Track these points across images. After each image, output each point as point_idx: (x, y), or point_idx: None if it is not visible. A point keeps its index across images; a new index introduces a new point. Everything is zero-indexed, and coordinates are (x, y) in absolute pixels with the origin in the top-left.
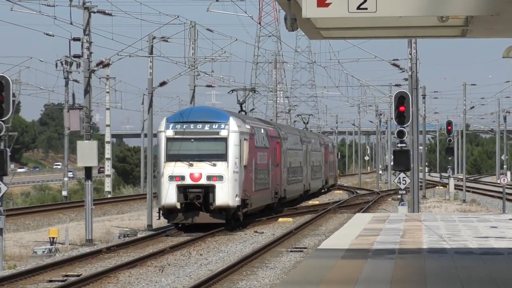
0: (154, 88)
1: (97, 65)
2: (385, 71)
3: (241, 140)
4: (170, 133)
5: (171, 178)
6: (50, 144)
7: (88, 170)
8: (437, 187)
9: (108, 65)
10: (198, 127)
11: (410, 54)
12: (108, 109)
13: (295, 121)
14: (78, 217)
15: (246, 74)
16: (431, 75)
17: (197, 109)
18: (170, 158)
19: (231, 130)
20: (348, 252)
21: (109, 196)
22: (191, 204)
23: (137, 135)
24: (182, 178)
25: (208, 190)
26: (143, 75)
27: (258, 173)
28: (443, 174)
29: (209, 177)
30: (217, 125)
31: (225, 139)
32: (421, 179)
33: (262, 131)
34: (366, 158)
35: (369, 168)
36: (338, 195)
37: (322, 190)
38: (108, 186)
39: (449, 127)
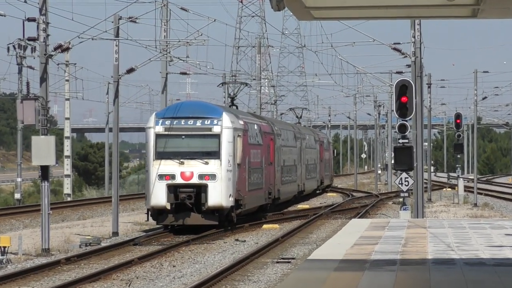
0: (120, 75)
1: (55, 49)
2: (385, 57)
3: (235, 137)
4: (159, 129)
5: (161, 177)
6: (1, 140)
7: (44, 170)
8: (444, 189)
9: (67, 49)
10: (189, 123)
11: (414, 37)
12: (67, 99)
13: (281, 114)
14: (33, 223)
15: (226, 60)
16: (438, 61)
17: (188, 103)
18: (160, 155)
19: (224, 126)
20: (342, 264)
21: (69, 199)
22: (182, 205)
23: (101, 130)
24: (173, 177)
25: (200, 190)
26: (108, 61)
27: (251, 172)
28: (451, 174)
29: (201, 176)
30: (209, 121)
31: (218, 136)
32: (426, 179)
33: (256, 126)
34: (363, 156)
35: (366, 167)
36: (331, 198)
37: (317, 191)
38: (67, 188)
39: (458, 121)
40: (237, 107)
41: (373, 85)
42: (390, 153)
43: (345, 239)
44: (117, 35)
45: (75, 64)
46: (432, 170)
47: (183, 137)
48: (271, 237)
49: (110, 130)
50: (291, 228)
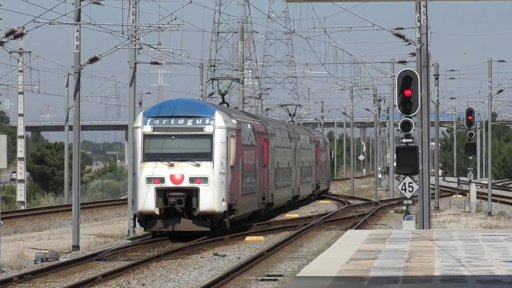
0: (82, 65)
1: (7, 35)
2: (386, 44)
3: (228, 137)
4: (147, 129)
5: (149, 180)
6: None
7: None
8: (454, 196)
9: (21, 35)
10: (179, 122)
11: (419, 21)
12: (21, 93)
13: (267, 110)
14: None
15: (203, 48)
16: (447, 49)
17: (179, 101)
18: (148, 157)
19: (217, 125)
20: (336, 281)
21: (23, 207)
22: (172, 210)
23: (60, 128)
24: (162, 180)
25: (191, 194)
26: (68, 48)
27: (245, 175)
28: (462, 178)
29: (192, 179)
30: (201, 120)
31: (210, 136)
32: (433, 185)
33: (249, 126)
34: (361, 157)
35: (364, 170)
36: (324, 206)
37: (313, 197)
38: (21, 195)
39: (470, 117)
40: (228, 105)
41: (372, 76)
42: (392, 155)
43: (340, 253)
44: (78, 19)
45: (30, 52)
46: (440, 174)
47: (173, 137)
48: (255, 251)
49: (70, 128)
50: (278, 241)
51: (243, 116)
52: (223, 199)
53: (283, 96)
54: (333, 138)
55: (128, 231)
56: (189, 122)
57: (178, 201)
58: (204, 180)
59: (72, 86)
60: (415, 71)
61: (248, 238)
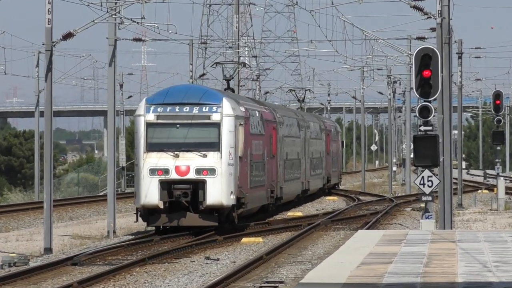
0: (55, 42)
1: None
2: (402, 18)
3: (236, 126)
4: (151, 117)
5: (153, 172)
6: None
7: None
8: (479, 192)
9: None
10: (185, 110)
11: None
12: None
13: (266, 93)
14: None
15: (193, 22)
16: (471, 24)
17: (184, 88)
18: (151, 147)
19: (225, 113)
20: None
21: None
22: (177, 203)
23: (30, 114)
24: (166, 172)
25: (198, 187)
26: (38, 23)
27: (253, 166)
28: (489, 171)
29: (198, 171)
30: (207, 108)
31: (217, 125)
32: (456, 179)
33: (257, 114)
34: (373, 147)
35: (377, 162)
36: (331, 203)
37: (324, 191)
38: None
39: (498, 102)
40: (233, 91)
41: (386, 55)
42: (408, 145)
43: (349, 257)
44: None
45: None
46: (463, 167)
47: (178, 126)
48: (253, 254)
49: (41, 114)
50: (278, 243)
51: (251, 103)
52: (231, 192)
53: (284, 78)
54: (341, 126)
55: (108, 231)
56: (195, 110)
57: (184, 194)
58: (212, 171)
59: (43, 66)
60: (435, 49)
61: (244, 239)
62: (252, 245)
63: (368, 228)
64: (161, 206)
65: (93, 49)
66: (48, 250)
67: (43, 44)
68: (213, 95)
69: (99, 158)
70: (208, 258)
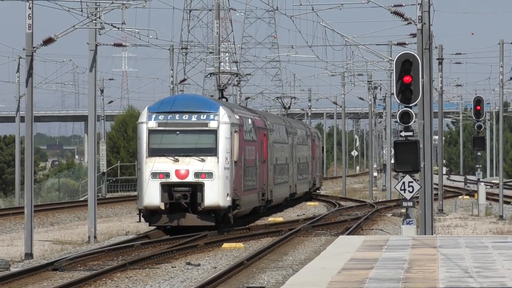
0: (35, 47)
1: None
2: (382, 24)
3: (232, 133)
4: (152, 124)
5: (154, 175)
6: None
7: None
8: (460, 197)
9: None
10: (184, 117)
11: None
12: None
13: (247, 99)
14: None
15: (174, 27)
16: (452, 30)
17: (183, 97)
18: (153, 152)
19: (222, 121)
20: None
21: None
22: (177, 205)
23: (10, 119)
24: (167, 175)
25: (196, 189)
26: (19, 28)
27: (246, 170)
28: (470, 177)
29: (197, 174)
30: (205, 116)
31: (214, 131)
32: (437, 184)
33: (250, 121)
34: (354, 153)
35: (358, 168)
36: (312, 208)
37: (311, 194)
38: None
39: (479, 107)
40: (227, 100)
41: (367, 60)
42: (389, 150)
43: (330, 263)
44: None
45: None
46: (444, 172)
47: (178, 132)
48: (234, 259)
49: (22, 119)
50: (259, 248)
51: (244, 111)
52: (227, 194)
53: (265, 83)
54: (322, 131)
55: (89, 237)
56: (194, 118)
57: (183, 196)
58: (209, 175)
59: (23, 71)
60: (415, 55)
61: (225, 245)
62: (233, 250)
63: (349, 234)
64: (162, 207)
65: (74, 55)
66: (29, 255)
67: (23, 49)
68: (210, 104)
69: (79, 163)
70: (189, 263)
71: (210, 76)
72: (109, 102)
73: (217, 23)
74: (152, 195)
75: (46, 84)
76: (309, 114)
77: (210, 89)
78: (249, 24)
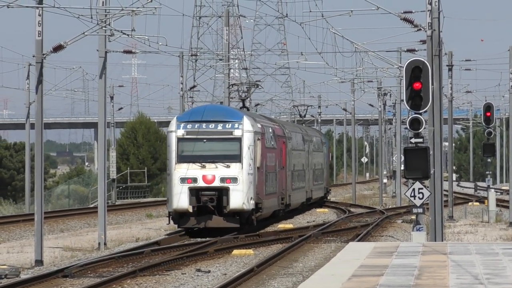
0: (45, 54)
1: None
2: (392, 30)
3: (255, 140)
4: (181, 133)
5: (183, 180)
6: None
7: None
8: (470, 204)
9: None
10: (210, 126)
11: (430, 3)
12: None
13: (257, 105)
14: None
15: (184, 34)
16: (462, 36)
17: (210, 107)
18: (182, 159)
19: (245, 129)
20: None
21: None
22: (204, 208)
23: (20, 126)
24: (194, 180)
25: (222, 193)
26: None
27: (268, 176)
28: (480, 184)
29: (222, 179)
30: (230, 125)
31: (239, 139)
32: (447, 191)
33: (270, 130)
34: (364, 160)
35: (368, 175)
36: (322, 215)
37: (324, 200)
38: None
39: (489, 113)
40: (248, 109)
41: (376, 67)
42: (399, 157)
43: (340, 269)
44: (40, 1)
45: None
46: (454, 179)
47: (205, 140)
48: (244, 266)
49: (32, 126)
50: (269, 255)
51: (265, 120)
52: (251, 198)
53: (274, 89)
54: (331, 138)
55: (99, 243)
56: (219, 126)
57: (210, 200)
58: (234, 180)
59: (33, 78)
60: (425, 61)
61: (235, 251)
62: (243, 257)
63: (359, 240)
64: (190, 210)
65: (84, 61)
66: (39, 262)
67: (33, 56)
68: (234, 113)
69: (89, 170)
70: (199, 270)
71: (233, 86)
72: (119, 109)
73: (226, 30)
74: (181, 199)
75: (56, 91)
76: (319, 120)
77: (220, 96)
78: (258, 31)
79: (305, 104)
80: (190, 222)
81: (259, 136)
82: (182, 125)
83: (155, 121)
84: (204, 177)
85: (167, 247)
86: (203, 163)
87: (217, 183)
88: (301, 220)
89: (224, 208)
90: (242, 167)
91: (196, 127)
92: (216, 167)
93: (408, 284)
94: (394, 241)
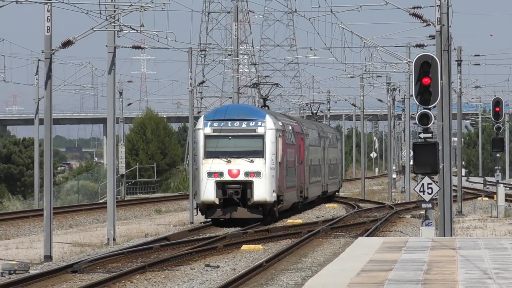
0: (54, 50)
1: None
2: (401, 25)
3: (276, 137)
4: (208, 130)
5: (210, 174)
6: None
7: None
8: (479, 199)
9: None
10: (235, 124)
11: None
12: None
13: (264, 99)
14: None
15: (193, 30)
16: (471, 31)
17: (234, 107)
18: (209, 155)
19: (268, 127)
20: None
21: None
22: (229, 200)
23: (29, 121)
24: (221, 174)
25: (246, 186)
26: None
27: (288, 170)
28: (489, 179)
29: (247, 173)
30: (254, 123)
31: (262, 136)
32: (456, 186)
33: (290, 127)
34: (373, 155)
35: (377, 170)
36: (331, 210)
37: (337, 193)
38: None
39: (498, 109)
40: (268, 108)
41: (385, 62)
42: (408, 152)
43: (349, 264)
44: None
45: None
46: (463, 174)
47: (230, 137)
48: (253, 261)
49: (41, 122)
50: (278, 250)
51: (285, 118)
52: (273, 191)
53: (284, 85)
54: (341, 133)
55: (108, 239)
56: (244, 124)
57: (235, 192)
58: (258, 174)
59: (42, 74)
60: (434, 56)
61: (244, 246)
62: (252, 252)
63: (368, 235)
64: (217, 202)
65: (93, 57)
66: (48, 257)
67: (42, 52)
68: (258, 112)
69: (98, 165)
70: (208, 265)
71: (254, 86)
72: (128, 105)
73: (235, 25)
74: (208, 192)
75: (65, 87)
76: (328, 116)
77: (229, 91)
78: (267, 26)
79: (316, 101)
80: (217, 213)
81: (280, 133)
82: (209, 123)
83: (164, 116)
84: (229, 171)
85: (176, 242)
86: (228, 158)
87: (241, 177)
88: (310, 215)
89: (248, 200)
90: (265, 162)
91: (222, 125)
92: (241, 162)
93: (417, 279)
94: (403, 236)
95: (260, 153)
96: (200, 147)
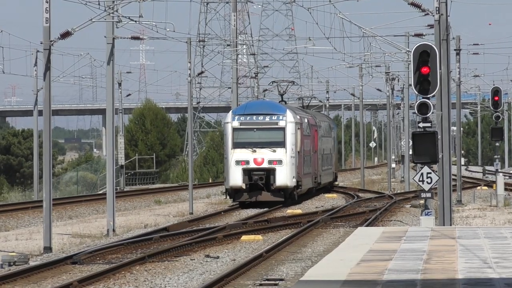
0: (53, 41)
1: None
2: (400, 15)
3: (296, 129)
4: (236, 124)
5: (237, 162)
6: None
7: None
8: (479, 188)
9: None
10: (259, 118)
11: None
12: None
13: (265, 91)
14: None
15: (191, 20)
16: (469, 20)
17: (258, 103)
18: (237, 145)
19: (288, 121)
20: (346, 286)
21: None
22: (255, 185)
23: (28, 113)
24: (247, 162)
25: (269, 173)
26: (37, 22)
27: (305, 159)
28: (488, 168)
29: (270, 162)
30: (276, 117)
31: (283, 129)
32: (455, 175)
33: (306, 120)
34: (372, 144)
35: (376, 159)
36: (331, 200)
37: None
38: None
39: (497, 98)
40: (286, 103)
41: (384, 52)
42: (407, 141)
43: (349, 254)
44: None
45: None
46: (462, 163)
47: (255, 130)
48: (253, 251)
49: (40, 113)
50: (278, 240)
51: (302, 112)
52: (293, 177)
53: (283, 75)
54: (340, 123)
55: (108, 230)
56: (267, 118)
57: (260, 178)
58: (279, 162)
59: (41, 65)
60: (433, 46)
61: (244, 237)
62: (252, 242)
63: (367, 225)
64: (244, 187)
65: (91, 48)
66: (48, 249)
67: (41, 43)
68: (279, 107)
69: (97, 156)
70: (208, 256)
71: (273, 84)
72: (127, 95)
73: (234, 16)
74: (236, 178)
75: (64, 78)
76: (327, 106)
77: (228, 82)
78: (266, 16)
79: (285, 79)
80: (243, 197)
81: (299, 125)
82: (236, 117)
83: (163, 107)
84: (255, 160)
85: (176, 233)
86: (254, 148)
87: (265, 165)
88: (310, 206)
89: (271, 185)
90: (286, 152)
91: (248, 119)
92: (265, 152)
93: (417, 269)
94: (402, 225)
95: (282, 144)
96: (229, 139)
